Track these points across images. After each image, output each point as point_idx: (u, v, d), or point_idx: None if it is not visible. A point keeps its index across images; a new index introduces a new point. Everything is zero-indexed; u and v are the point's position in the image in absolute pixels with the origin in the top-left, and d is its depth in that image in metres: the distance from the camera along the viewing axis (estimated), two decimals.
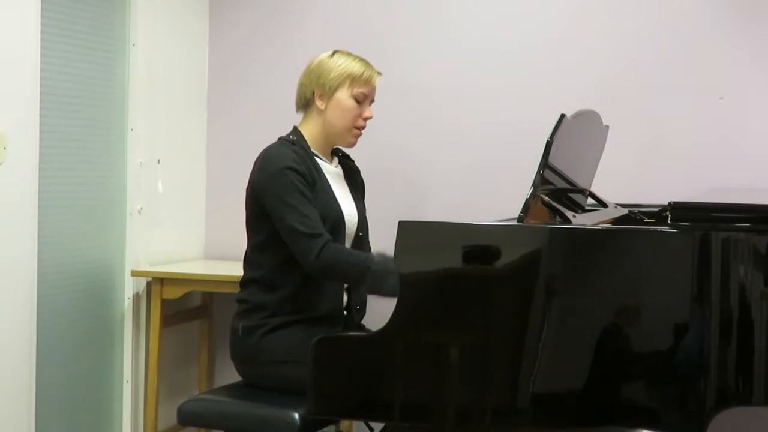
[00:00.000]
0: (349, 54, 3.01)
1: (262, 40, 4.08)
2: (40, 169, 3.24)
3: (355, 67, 2.96)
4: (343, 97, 2.95)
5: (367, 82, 2.97)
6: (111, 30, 3.65)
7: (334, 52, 3.01)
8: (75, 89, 3.48)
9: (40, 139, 3.24)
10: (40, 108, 3.23)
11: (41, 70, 3.23)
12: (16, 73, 3.13)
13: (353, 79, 2.95)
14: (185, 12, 4.03)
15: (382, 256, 2.76)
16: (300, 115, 3.06)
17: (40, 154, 3.24)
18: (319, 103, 2.97)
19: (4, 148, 3.08)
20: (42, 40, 3.23)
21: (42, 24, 3.23)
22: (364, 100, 2.98)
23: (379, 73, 3.02)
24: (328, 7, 4.01)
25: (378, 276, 2.71)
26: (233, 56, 4.13)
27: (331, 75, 2.95)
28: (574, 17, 3.74)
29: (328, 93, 2.96)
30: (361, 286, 2.89)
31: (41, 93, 3.24)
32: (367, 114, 2.99)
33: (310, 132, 2.99)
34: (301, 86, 3.02)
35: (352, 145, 3.05)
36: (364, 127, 3.01)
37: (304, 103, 3.02)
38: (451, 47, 3.86)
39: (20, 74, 3.15)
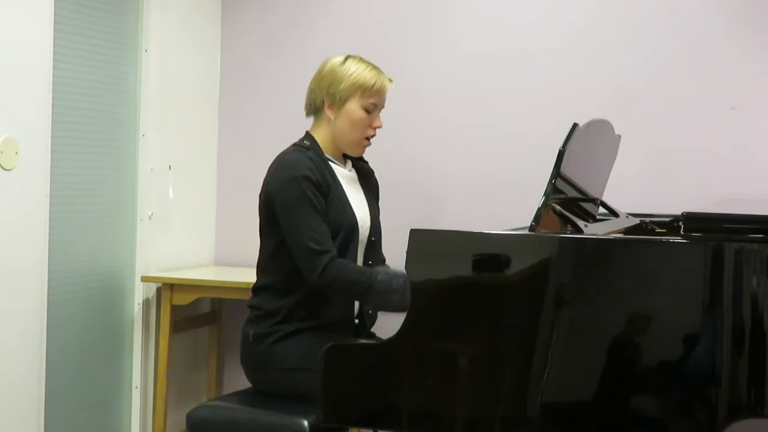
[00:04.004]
0: (360, 60, 2.93)
1: (273, 46, 4.08)
2: (51, 174, 3.24)
3: (367, 77, 2.88)
4: (354, 108, 2.88)
5: (378, 92, 2.90)
6: (123, 36, 3.66)
7: (346, 58, 2.92)
8: (87, 95, 3.49)
9: (52, 145, 3.25)
10: (52, 114, 3.24)
11: (53, 75, 3.24)
12: (29, 78, 3.14)
13: (364, 90, 2.88)
14: (197, 18, 4.04)
15: (386, 274, 2.73)
16: (311, 119, 3.00)
17: (52, 160, 3.25)
18: (328, 113, 2.90)
19: (16, 153, 3.08)
20: (54, 45, 3.24)
21: (55, 30, 3.23)
22: (374, 109, 2.91)
23: (390, 80, 2.94)
24: (341, 12, 4.01)
25: (381, 294, 2.71)
26: (245, 62, 4.13)
27: (342, 86, 2.87)
28: (588, 26, 3.74)
29: (338, 103, 2.88)
30: (366, 303, 2.88)
31: (53, 99, 3.25)
32: (376, 123, 2.93)
33: (322, 138, 2.93)
34: (311, 92, 2.95)
35: (359, 155, 3.00)
36: (374, 136, 2.96)
37: (314, 110, 2.96)
38: (466, 56, 3.86)
39: (32, 80, 3.16)
